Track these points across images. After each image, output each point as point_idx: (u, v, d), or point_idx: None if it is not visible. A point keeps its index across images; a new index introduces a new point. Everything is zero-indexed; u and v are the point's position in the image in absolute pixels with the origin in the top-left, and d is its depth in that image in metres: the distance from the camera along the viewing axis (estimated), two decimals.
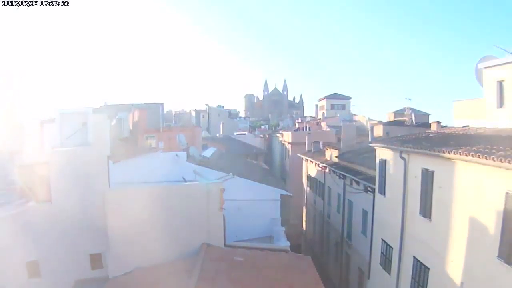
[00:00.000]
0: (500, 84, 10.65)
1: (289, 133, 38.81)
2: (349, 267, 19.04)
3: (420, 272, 10.92)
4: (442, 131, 13.54)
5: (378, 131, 24.57)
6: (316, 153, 28.52)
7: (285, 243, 14.25)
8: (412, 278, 11.43)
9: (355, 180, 17.16)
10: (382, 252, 14.01)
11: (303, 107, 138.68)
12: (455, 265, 9.11)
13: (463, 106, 13.22)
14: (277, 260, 11.65)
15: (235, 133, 51.26)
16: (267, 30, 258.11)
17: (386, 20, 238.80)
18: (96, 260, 11.16)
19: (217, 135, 50.36)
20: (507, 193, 7.22)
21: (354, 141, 23.94)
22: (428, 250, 10.52)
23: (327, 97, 62.56)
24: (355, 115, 53.13)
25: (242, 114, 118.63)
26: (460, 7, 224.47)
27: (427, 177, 10.52)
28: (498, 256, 7.38)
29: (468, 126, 12.51)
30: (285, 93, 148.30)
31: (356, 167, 18.53)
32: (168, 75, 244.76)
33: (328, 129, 40.61)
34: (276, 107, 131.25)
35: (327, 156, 24.69)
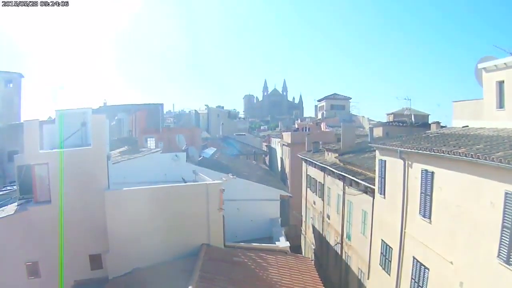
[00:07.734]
0: (500, 84, 10.65)
1: (289, 133, 38.80)
2: (349, 268, 19.02)
3: (420, 273, 10.93)
4: (442, 132, 13.53)
5: (378, 132, 24.55)
6: (316, 153, 28.49)
7: (284, 244, 14.21)
8: (412, 278, 11.43)
9: (354, 181, 17.15)
10: (382, 253, 14.00)
11: (302, 107, 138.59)
12: (455, 266, 9.11)
13: (463, 107, 13.23)
14: (276, 260, 11.65)
15: (234, 134, 51.18)
16: (267, 30, 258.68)
17: (386, 20, 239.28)
18: (96, 261, 11.14)
19: (217, 135, 50.29)
20: (506, 193, 7.24)
21: (354, 141, 23.90)
22: (428, 251, 10.52)
23: (327, 98, 62.46)
24: (354, 115, 53.09)
25: (241, 114, 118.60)
26: (460, 7, 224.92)
27: (427, 178, 10.52)
28: (498, 256, 7.40)
29: (467, 126, 12.51)
30: (284, 93, 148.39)
31: (355, 168, 18.52)
32: (168, 75, 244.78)
33: (327, 130, 40.61)
34: (275, 108, 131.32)
35: (327, 157, 24.68)
